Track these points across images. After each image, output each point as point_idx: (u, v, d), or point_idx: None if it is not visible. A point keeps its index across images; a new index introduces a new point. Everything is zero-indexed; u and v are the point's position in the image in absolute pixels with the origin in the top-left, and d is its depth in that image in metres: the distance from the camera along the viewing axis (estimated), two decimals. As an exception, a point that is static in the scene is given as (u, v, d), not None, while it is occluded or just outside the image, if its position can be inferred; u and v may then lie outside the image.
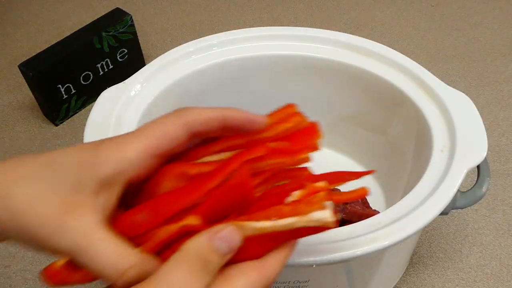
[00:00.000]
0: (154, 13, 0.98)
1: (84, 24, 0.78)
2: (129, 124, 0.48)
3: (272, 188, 0.29)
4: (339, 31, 0.56)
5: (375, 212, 0.52)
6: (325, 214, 0.25)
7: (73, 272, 0.25)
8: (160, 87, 0.52)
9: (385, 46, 0.55)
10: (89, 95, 0.79)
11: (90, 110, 0.48)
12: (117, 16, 0.78)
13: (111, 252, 0.24)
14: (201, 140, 0.29)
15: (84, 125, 0.47)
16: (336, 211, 0.25)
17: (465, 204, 0.46)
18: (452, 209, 0.46)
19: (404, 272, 0.57)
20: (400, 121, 0.54)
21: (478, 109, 0.48)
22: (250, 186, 0.25)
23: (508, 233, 0.62)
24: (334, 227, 0.26)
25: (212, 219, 0.25)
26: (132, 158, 0.26)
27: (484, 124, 0.47)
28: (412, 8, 0.98)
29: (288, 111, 0.30)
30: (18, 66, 0.71)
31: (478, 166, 0.47)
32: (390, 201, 0.58)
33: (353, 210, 0.50)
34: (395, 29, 0.93)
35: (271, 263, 0.26)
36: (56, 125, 0.77)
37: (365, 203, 0.55)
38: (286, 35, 0.56)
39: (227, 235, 0.24)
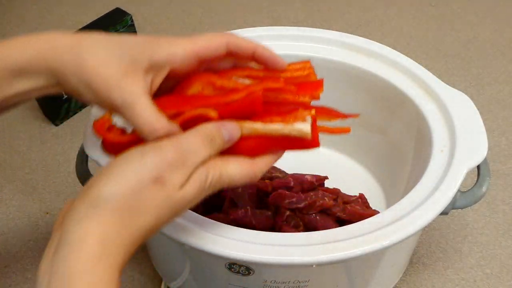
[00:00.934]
0: (154, 13, 0.98)
1: (85, 24, 0.78)
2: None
3: (274, 109, 0.35)
4: (340, 31, 0.56)
5: (375, 212, 0.52)
6: (305, 126, 0.32)
7: (122, 135, 0.35)
8: (160, 87, 0.52)
9: (385, 46, 0.55)
10: (89, 95, 0.79)
11: (90, 110, 0.48)
12: (117, 16, 0.78)
13: (151, 114, 0.31)
14: (232, 65, 0.37)
15: (84, 125, 0.47)
16: (314, 126, 0.33)
17: (465, 204, 0.46)
18: (452, 209, 0.46)
19: (404, 272, 0.57)
20: (400, 121, 0.54)
21: (478, 109, 0.48)
22: (259, 103, 0.33)
23: (508, 233, 0.62)
24: (313, 146, 0.33)
25: (224, 118, 0.33)
26: (180, 53, 0.33)
27: (484, 124, 0.47)
28: (412, 8, 0.98)
29: (304, 65, 0.38)
30: (18, 66, 0.71)
31: (478, 166, 0.47)
32: (390, 201, 0.58)
33: (353, 210, 0.50)
34: (395, 29, 0.93)
35: (260, 163, 0.34)
36: (56, 125, 0.77)
37: (365, 203, 0.55)
38: (286, 35, 0.56)
39: (231, 128, 0.33)
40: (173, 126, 0.32)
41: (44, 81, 0.33)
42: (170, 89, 0.36)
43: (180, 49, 0.33)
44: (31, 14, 0.98)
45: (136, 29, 0.80)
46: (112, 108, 0.32)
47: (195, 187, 0.31)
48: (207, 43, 0.34)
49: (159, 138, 0.31)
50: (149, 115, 0.31)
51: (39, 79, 0.33)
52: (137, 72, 0.32)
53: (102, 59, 0.32)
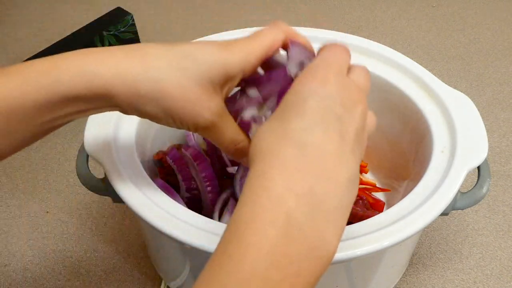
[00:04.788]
0: (155, 12, 0.98)
1: (86, 23, 0.78)
2: (130, 123, 0.48)
3: None
4: (340, 31, 0.56)
5: (375, 213, 0.52)
6: None
7: None
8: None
9: (386, 47, 0.55)
10: (90, 94, 0.79)
11: (90, 109, 0.48)
12: (118, 16, 0.78)
13: (233, 131, 0.34)
14: None
15: (85, 124, 0.47)
16: None
17: (465, 205, 0.46)
18: (453, 209, 0.46)
19: (404, 273, 0.57)
20: (401, 121, 0.54)
21: (479, 110, 0.48)
22: None
23: (508, 234, 0.62)
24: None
25: None
26: (253, 61, 0.33)
27: (485, 125, 0.47)
28: (413, 9, 0.98)
29: None
30: (19, 65, 0.71)
31: (478, 167, 0.47)
32: (390, 201, 0.58)
33: (354, 212, 0.50)
34: (396, 29, 0.93)
35: None
36: (57, 124, 0.77)
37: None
38: (287, 35, 0.56)
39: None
40: (246, 138, 0.35)
41: (105, 104, 0.32)
42: None
43: (253, 56, 0.33)
44: (32, 13, 0.98)
45: (137, 29, 0.80)
46: (192, 130, 0.33)
47: None
48: (272, 42, 0.33)
49: (238, 149, 0.34)
50: (231, 133, 0.33)
51: (99, 103, 0.32)
52: (216, 91, 0.32)
53: (180, 84, 0.31)
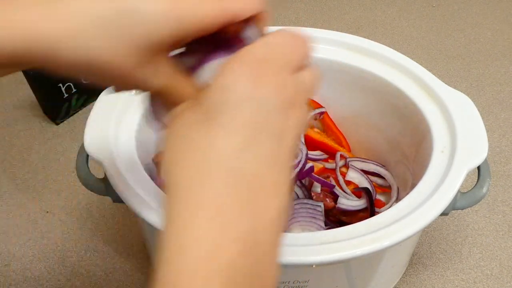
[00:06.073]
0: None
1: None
2: (130, 123, 0.48)
3: None
4: (340, 31, 0.56)
5: (375, 213, 0.52)
6: None
7: None
8: (161, 87, 0.52)
9: (386, 47, 0.55)
10: (90, 94, 0.79)
11: (90, 109, 0.48)
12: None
13: (190, 89, 0.28)
14: None
15: (85, 124, 0.47)
16: None
17: (465, 205, 0.46)
18: (453, 209, 0.46)
19: (404, 273, 0.57)
20: (401, 121, 0.54)
21: (479, 110, 0.48)
22: None
23: (508, 234, 0.62)
24: None
25: None
26: (210, 27, 0.27)
27: (485, 125, 0.47)
28: (413, 9, 0.98)
29: None
30: (19, 65, 0.71)
31: (478, 167, 0.47)
32: (391, 201, 0.58)
33: (354, 212, 0.50)
34: (396, 29, 0.93)
35: None
36: (57, 124, 0.77)
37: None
38: (287, 35, 0.56)
39: None
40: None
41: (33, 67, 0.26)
42: None
43: (210, 14, 0.26)
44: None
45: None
46: (146, 94, 0.29)
47: None
48: (239, 7, 0.27)
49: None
50: (188, 92, 0.28)
51: (25, 67, 0.26)
52: (165, 50, 0.27)
53: (113, 51, 0.25)
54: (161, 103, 0.30)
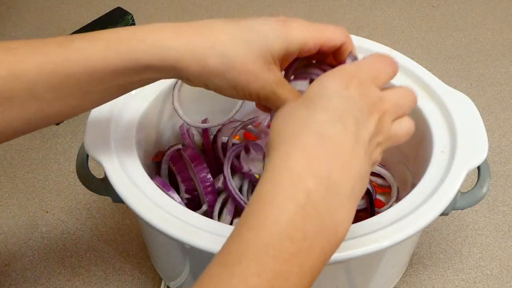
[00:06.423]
0: (155, 12, 0.98)
1: (85, 23, 0.78)
2: (130, 123, 0.48)
3: None
4: (340, 31, 0.56)
5: (375, 213, 0.52)
6: None
7: None
8: (161, 87, 0.52)
9: (386, 47, 0.54)
10: (90, 94, 0.79)
11: (90, 110, 0.48)
12: (118, 15, 0.78)
13: (292, 96, 0.35)
14: None
15: (85, 124, 0.47)
16: None
17: (465, 205, 0.46)
18: (453, 209, 0.46)
19: (404, 273, 0.57)
20: (401, 121, 0.54)
21: (479, 110, 0.48)
22: None
23: (508, 234, 0.62)
24: None
25: None
26: (311, 44, 0.35)
27: (485, 125, 0.47)
28: (413, 9, 0.98)
29: None
30: (19, 65, 0.70)
31: (478, 167, 0.47)
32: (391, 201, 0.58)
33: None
34: (396, 29, 0.93)
35: None
36: (57, 124, 0.77)
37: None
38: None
39: None
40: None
41: (174, 75, 0.35)
42: None
43: (311, 39, 0.35)
44: (32, 13, 0.98)
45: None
46: (255, 99, 0.36)
47: None
48: (332, 36, 0.36)
49: None
50: (291, 99, 0.35)
51: (169, 74, 0.35)
52: (276, 63, 0.35)
53: (244, 58, 0.34)
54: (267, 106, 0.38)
